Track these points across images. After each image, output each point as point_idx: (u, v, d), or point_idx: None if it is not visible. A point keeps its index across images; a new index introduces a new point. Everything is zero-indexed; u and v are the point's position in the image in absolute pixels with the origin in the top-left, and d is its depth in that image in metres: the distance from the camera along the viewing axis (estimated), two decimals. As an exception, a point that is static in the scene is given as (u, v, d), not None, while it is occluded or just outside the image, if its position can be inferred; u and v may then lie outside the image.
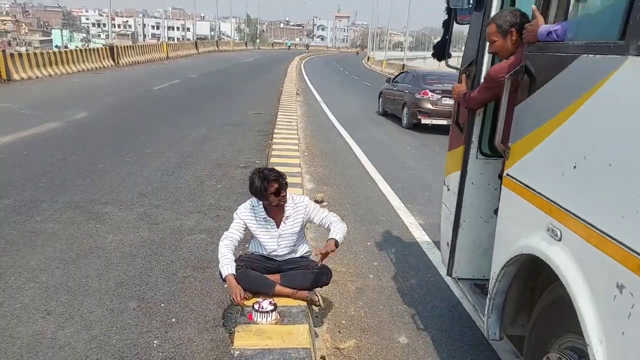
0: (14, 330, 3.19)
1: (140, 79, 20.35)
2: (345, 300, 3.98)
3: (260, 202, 3.37)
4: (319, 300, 3.44)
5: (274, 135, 9.60)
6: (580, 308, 1.86)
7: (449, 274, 3.57)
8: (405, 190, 6.97)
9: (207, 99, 15.32)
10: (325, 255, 3.25)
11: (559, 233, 2.06)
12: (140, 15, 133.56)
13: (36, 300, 3.57)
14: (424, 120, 11.90)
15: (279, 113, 12.58)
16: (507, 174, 2.56)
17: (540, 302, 2.44)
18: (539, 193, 2.24)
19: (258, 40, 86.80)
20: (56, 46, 55.58)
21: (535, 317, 2.47)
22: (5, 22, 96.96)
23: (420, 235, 5.38)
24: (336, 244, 3.27)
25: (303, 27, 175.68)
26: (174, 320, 3.44)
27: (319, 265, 3.34)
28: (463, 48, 3.49)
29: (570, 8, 2.29)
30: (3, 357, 2.93)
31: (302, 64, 39.85)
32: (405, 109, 12.57)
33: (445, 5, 3.47)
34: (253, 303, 3.05)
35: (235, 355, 2.66)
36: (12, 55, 17.63)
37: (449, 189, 3.61)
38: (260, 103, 15.01)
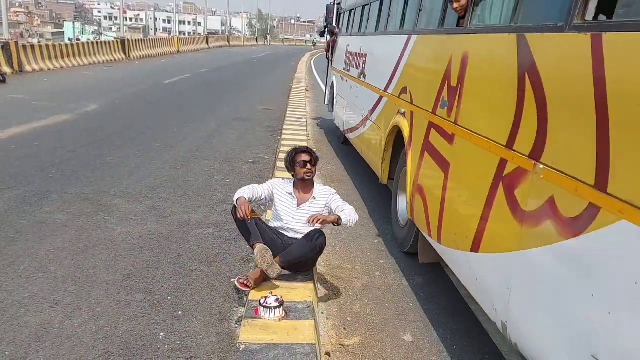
0: (22, 319, 3.23)
1: (151, 73, 20.43)
2: (351, 297, 3.99)
3: (292, 180, 3.76)
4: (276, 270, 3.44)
5: (283, 132, 9.61)
6: (333, 84, 10.39)
7: (325, 102, 11.59)
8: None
9: (217, 94, 15.36)
10: (321, 220, 3.35)
11: (334, 73, 10.17)
12: (152, 9, 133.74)
13: (45, 290, 3.60)
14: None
15: (288, 109, 12.59)
16: (333, 67, 10.57)
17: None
18: (335, 68, 10.06)
19: (269, 36, 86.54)
20: (69, 39, 55.84)
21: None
22: (18, 13, 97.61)
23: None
24: (338, 221, 3.37)
25: (314, 23, 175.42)
26: (180, 313, 3.46)
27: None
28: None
29: (341, 24, 10.17)
30: (12, 345, 2.96)
31: (312, 60, 39.78)
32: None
33: (325, 24, 11.61)
34: (259, 298, 3.06)
35: (241, 349, 2.68)
36: (24, 46, 17.75)
37: (329, 84, 11.22)
38: (269, 99, 15.02)
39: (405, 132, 4.63)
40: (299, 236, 3.64)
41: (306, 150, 3.73)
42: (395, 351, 3.33)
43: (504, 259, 2.70)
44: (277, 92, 16.72)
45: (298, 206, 3.62)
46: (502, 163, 2.74)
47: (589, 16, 2.16)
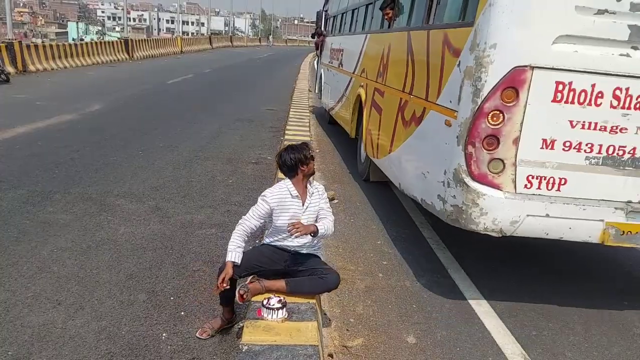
0: (25, 319, 3.23)
1: (154, 73, 20.45)
2: (353, 298, 3.98)
3: (289, 181, 3.33)
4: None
5: (286, 132, 9.60)
6: (321, 75, 12.44)
7: (314, 91, 14.65)
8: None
9: (220, 94, 15.37)
10: (302, 231, 3.16)
11: (322, 67, 12.44)
12: (155, 9, 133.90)
13: (47, 290, 3.61)
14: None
15: (291, 110, 12.57)
16: (321, 62, 12.64)
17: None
18: (323, 62, 12.29)
19: (271, 37, 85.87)
20: (72, 39, 55.94)
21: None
22: (22, 13, 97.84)
23: (430, 235, 5.35)
24: (314, 233, 3.22)
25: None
26: (183, 313, 3.46)
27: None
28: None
29: (327, 27, 12.41)
30: (14, 345, 2.97)
31: (315, 61, 39.82)
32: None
33: (315, 28, 13.59)
34: (262, 299, 3.05)
35: (243, 350, 2.66)
36: (28, 46, 17.79)
37: (315, 72, 14.68)
38: (272, 99, 15.02)
39: (363, 98, 7.10)
40: (304, 240, 3.37)
41: (305, 146, 3.41)
42: (398, 353, 3.31)
43: (399, 149, 5.22)
44: (280, 93, 16.71)
45: (303, 205, 3.35)
46: (400, 100, 5.22)
47: (430, 21, 4.78)
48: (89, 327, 3.21)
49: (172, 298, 3.64)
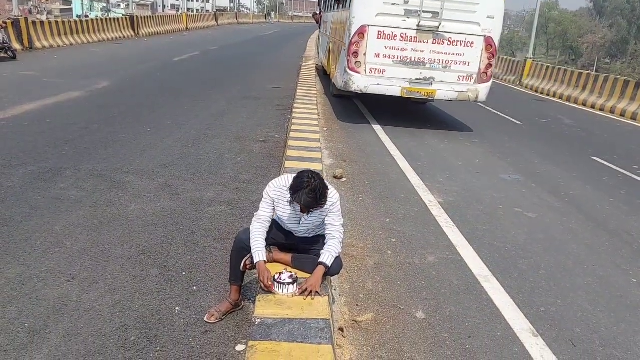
0: (40, 293, 3.28)
1: (160, 50, 20.34)
2: (363, 274, 4.01)
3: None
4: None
5: (294, 110, 9.56)
6: (319, 42, 17.23)
7: (317, 62, 17.71)
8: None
9: (227, 72, 15.29)
10: (315, 290, 3.05)
11: (320, 35, 16.83)
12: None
13: (61, 264, 3.65)
14: None
15: (298, 87, 12.49)
16: (320, 32, 16.99)
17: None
18: (320, 32, 16.89)
19: (273, 14, 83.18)
20: (77, 15, 55.43)
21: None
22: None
23: (438, 214, 5.37)
24: (325, 273, 3.13)
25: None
26: (195, 288, 3.51)
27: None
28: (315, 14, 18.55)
29: (324, 7, 16.24)
30: (31, 317, 3.02)
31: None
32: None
33: (318, 7, 18.21)
34: (274, 274, 3.07)
35: (256, 323, 2.70)
36: (34, 23, 17.70)
37: (317, 41, 18.76)
38: (279, 77, 14.94)
39: (331, 48, 12.12)
40: (309, 234, 3.38)
41: (305, 200, 2.98)
42: (407, 327, 3.36)
43: (337, 68, 10.46)
44: (287, 71, 16.62)
45: (301, 213, 3.22)
46: (339, 44, 10.42)
47: (346, 7, 10.20)
48: (103, 300, 3.26)
49: (184, 273, 3.68)
